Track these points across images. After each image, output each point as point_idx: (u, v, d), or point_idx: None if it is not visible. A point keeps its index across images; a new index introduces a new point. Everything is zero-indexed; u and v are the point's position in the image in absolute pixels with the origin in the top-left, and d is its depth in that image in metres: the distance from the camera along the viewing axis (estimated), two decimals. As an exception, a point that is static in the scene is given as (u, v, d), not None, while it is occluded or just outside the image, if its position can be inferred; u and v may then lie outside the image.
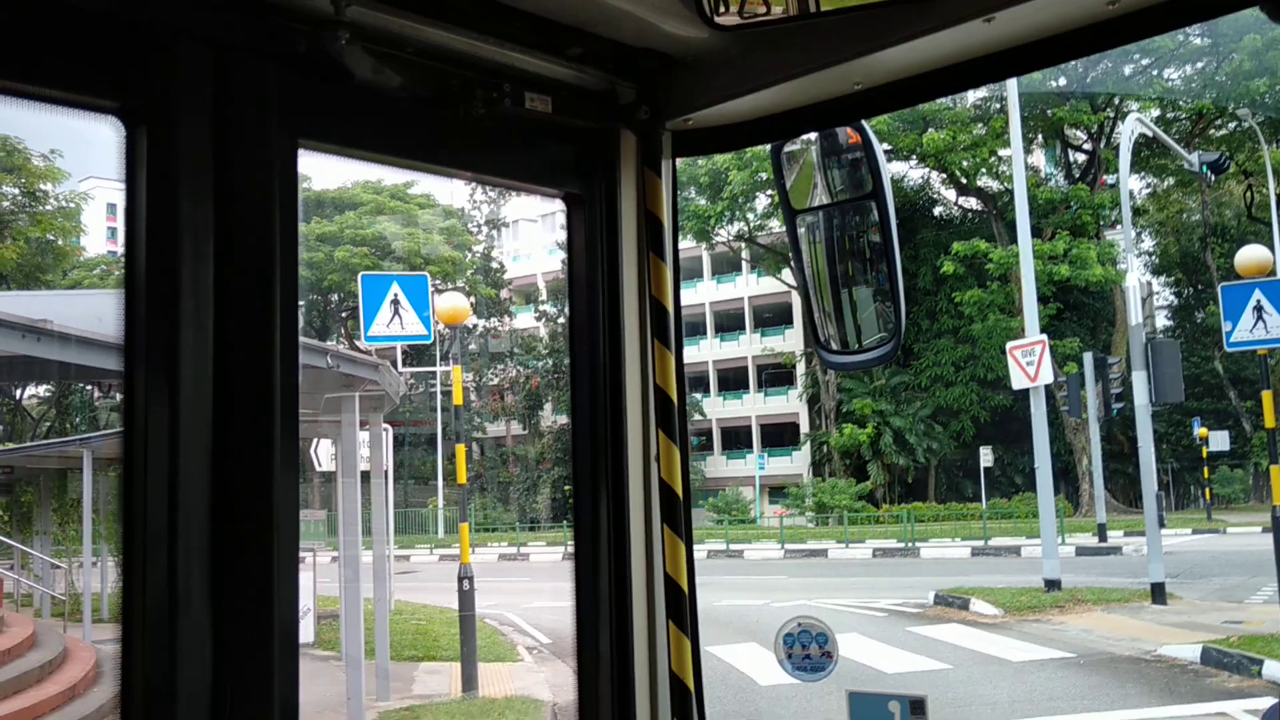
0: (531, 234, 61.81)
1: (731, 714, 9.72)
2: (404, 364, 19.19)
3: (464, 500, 12.58)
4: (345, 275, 42.02)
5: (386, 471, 14.96)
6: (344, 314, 47.02)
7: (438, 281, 41.36)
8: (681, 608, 2.03)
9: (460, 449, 12.23)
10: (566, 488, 48.69)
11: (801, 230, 2.32)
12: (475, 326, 47.85)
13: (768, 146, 2.22)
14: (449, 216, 50.54)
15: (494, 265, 54.83)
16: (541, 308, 57.22)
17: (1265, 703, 9.77)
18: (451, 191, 53.42)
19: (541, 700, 11.01)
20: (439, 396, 43.75)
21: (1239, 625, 13.75)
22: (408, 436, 47.15)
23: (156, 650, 1.30)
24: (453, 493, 42.41)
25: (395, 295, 11.25)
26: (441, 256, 46.83)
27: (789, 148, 2.27)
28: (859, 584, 21.25)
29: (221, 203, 1.40)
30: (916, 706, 2.21)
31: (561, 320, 56.44)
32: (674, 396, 2.05)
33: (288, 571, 1.40)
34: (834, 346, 2.32)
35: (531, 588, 23.13)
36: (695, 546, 2.11)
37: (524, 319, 57.03)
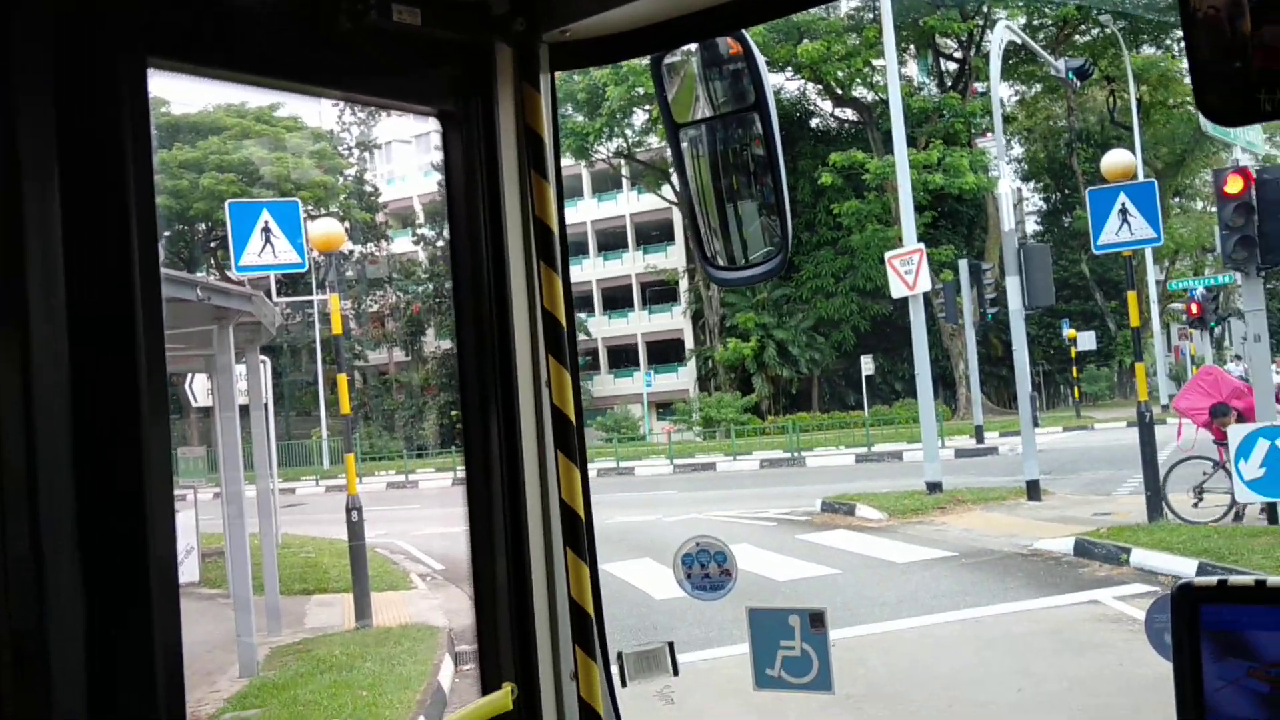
0: (405, 156, 60.46)
1: (629, 630, 9.82)
2: (279, 294, 18.70)
3: (348, 431, 12.34)
4: (212, 203, 40.54)
5: (266, 404, 14.60)
6: (212, 244, 45.53)
7: (310, 207, 40.20)
8: (579, 534, 1.98)
9: (342, 379, 11.96)
10: (454, 413, 48.38)
11: (684, 144, 2.23)
12: (351, 252, 46.78)
13: (647, 60, 2.12)
14: (318, 140, 49.02)
15: (368, 189, 53.53)
16: (419, 231, 56.21)
17: (1133, 589, 10.25)
18: (320, 114, 51.75)
19: (437, 626, 10.98)
20: (317, 326, 42.88)
21: (1108, 516, 14.38)
22: (287, 367, 46.21)
23: (23, 603, 1.20)
24: (337, 423, 41.81)
25: (266, 223, 10.84)
26: (313, 181, 45.52)
27: (669, 60, 2.17)
28: (748, 495, 21.64)
29: (65, 130, 1.26)
30: (816, 619, 2.20)
31: (441, 244, 55.59)
32: (562, 320, 1.97)
33: (162, 511, 1.30)
34: (720, 263, 2.25)
35: (422, 515, 23.00)
36: (586, 466, 2.05)
37: (402, 243, 55.97)
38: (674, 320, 54.45)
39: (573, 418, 1.99)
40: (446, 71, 1.86)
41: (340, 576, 13.48)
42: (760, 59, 2.06)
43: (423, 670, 8.96)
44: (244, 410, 12.10)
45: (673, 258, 54.24)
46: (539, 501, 1.97)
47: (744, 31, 1.99)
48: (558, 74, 2.05)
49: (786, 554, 13.67)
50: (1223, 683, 1.23)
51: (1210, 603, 1.26)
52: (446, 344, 53.77)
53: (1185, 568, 10.41)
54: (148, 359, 1.30)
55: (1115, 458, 21.93)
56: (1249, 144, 13.68)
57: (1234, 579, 1.27)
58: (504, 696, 1.89)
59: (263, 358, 13.18)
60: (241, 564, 10.12)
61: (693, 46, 2.08)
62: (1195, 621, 1.25)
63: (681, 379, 52.92)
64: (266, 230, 10.81)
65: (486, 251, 1.91)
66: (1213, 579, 1.28)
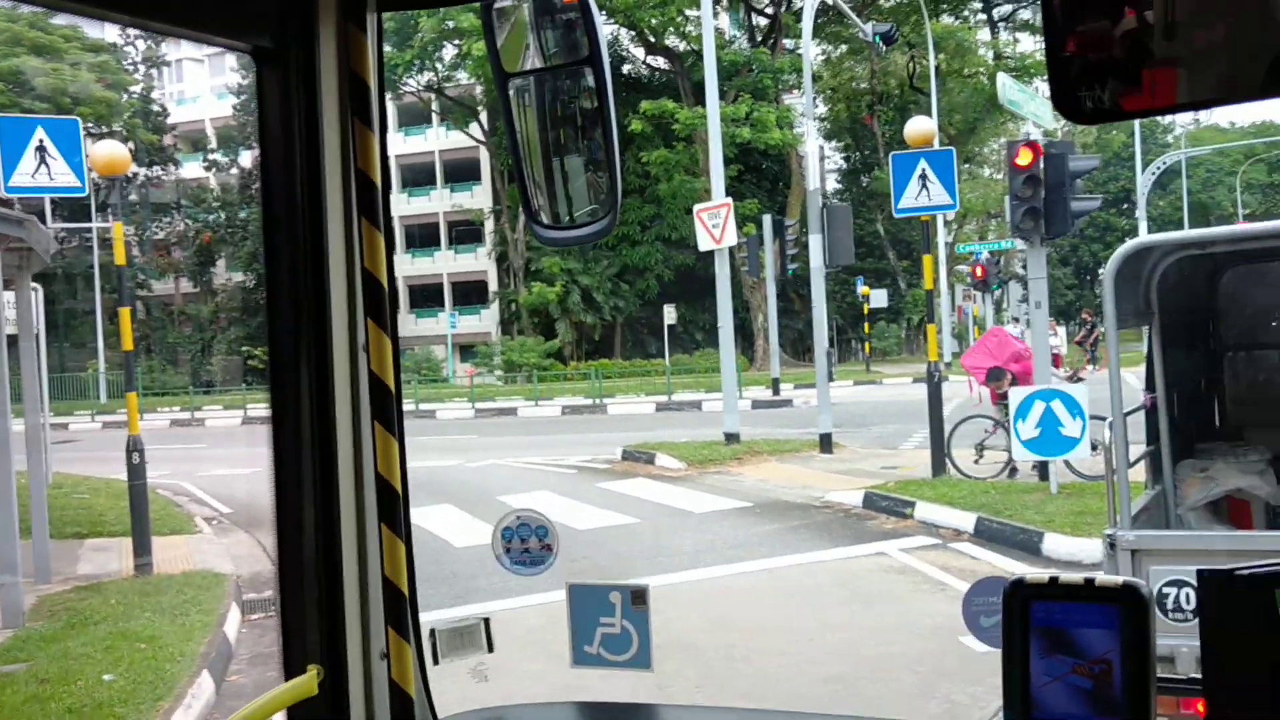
0: (197, 75, 57.42)
1: (427, 578, 9.67)
2: (54, 217, 17.44)
3: (130, 368, 11.61)
4: (-21, 115, 37.49)
5: (38, 335, 13.62)
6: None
7: (90, 125, 37.67)
8: (394, 509, 1.86)
9: (125, 313, 11.22)
10: (244, 349, 46.58)
11: (511, 94, 2.10)
12: (136, 175, 44.14)
13: (477, 4, 1.98)
14: (100, 52, 45.89)
15: (155, 109, 50.57)
16: (211, 156, 53.58)
17: (916, 541, 10.75)
18: (102, 24, 48.45)
19: (224, 573, 10.55)
20: (96, 252, 40.41)
21: (895, 470, 15.03)
22: (61, 295, 43.44)
23: None
24: (116, 355, 39.58)
25: (40, 141, 10.01)
26: (93, 97, 42.58)
27: (500, 4, 2.04)
28: (549, 442, 21.67)
29: None
30: (638, 596, 2.15)
31: (234, 171, 53.16)
32: (384, 281, 1.83)
33: None
34: (544, 220, 2.14)
35: (209, 455, 22.12)
36: (404, 437, 1.94)
37: (192, 168, 53.22)
38: (479, 261, 53.82)
39: (392, 386, 1.86)
40: (264, 4, 1.69)
41: (118, 520, 12.78)
42: (596, 11, 1.96)
43: (208, 621, 8.59)
44: (12, 341, 11.25)
45: (479, 197, 53.49)
46: (352, 474, 1.84)
47: (580, -21, 1.88)
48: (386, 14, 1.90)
49: (587, 502, 13.75)
50: (1048, 678, 1.23)
51: (1041, 599, 1.25)
52: (239, 276, 51.63)
53: (964, 521, 10.99)
54: None
55: (903, 412, 22.96)
56: (1037, 117, 14.32)
57: (1065, 577, 1.27)
58: (309, 681, 1.77)
59: (34, 285, 12.28)
60: (6, 504, 9.43)
61: (527, -7, 1.96)
62: (1026, 617, 1.25)
63: (484, 321, 52.47)
64: (41, 149, 10.00)
65: (303, 204, 1.74)
66: (1044, 575, 1.28)
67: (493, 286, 52.61)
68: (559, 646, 6.77)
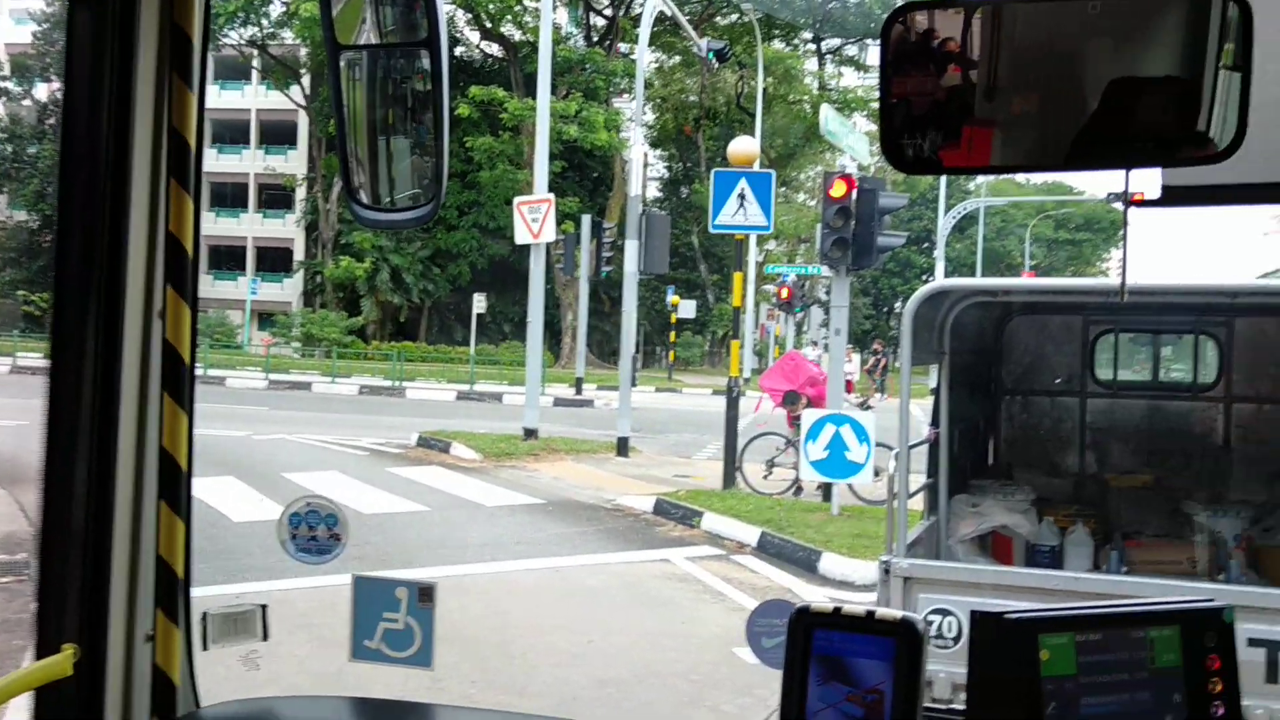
0: (-4, -4, 53.58)
1: (201, 551, 9.27)
2: None
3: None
4: None
5: None
6: None
7: None
8: (177, 486, 1.78)
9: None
10: (21, 293, 43.69)
11: (343, 66, 2.04)
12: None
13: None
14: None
15: (-56, 26, 46.98)
16: (3, 84, 50.10)
17: (702, 551, 10.98)
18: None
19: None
20: None
21: (687, 479, 15.32)
22: None
23: None
24: None
25: None
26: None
27: (338, -29, 1.97)
28: (343, 421, 21.15)
29: None
30: (425, 593, 2.11)
31: (28, 103, 49.91)
32: (189, 247, 1.75)
33: None
34: (364, 199, 2.08)
35: (-30, 402, 20.64)
36: (194, 412, 1.85)
37: (-22, 94, 49.68)
38: (286, 228, 52.12)
39: (186, 357, 1.77)
40: None
41: None
42: (439, -6, 1.92)
43: (-49, 581, 8.03)
44: None
45: (294, 162, 51.82)
46: (134, 446, 1.74)
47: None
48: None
49: (376, 486, 13.47)
50: (824, 705, 1.27)
51: (823, 628, 1.29)
52: (22, 215, 48.45)
53: (749, 535, 11.28)
54: None
55: (699, 422, 23.41)
56: (854, 151, 14.83)
57: (848, 608, 1.31)
58: (63, 660, 1.67)
59: None
60: None
61: (364, -38, 1.90)
62: (808, 644, 1.29)
63: (287, 291, 50.83)
64: None
65: (107, 157, 1.64)
66: (829, 605, 1.32)
67: (299, 255, 51.01)
68: (331, 633, 6.63)
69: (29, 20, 49.23)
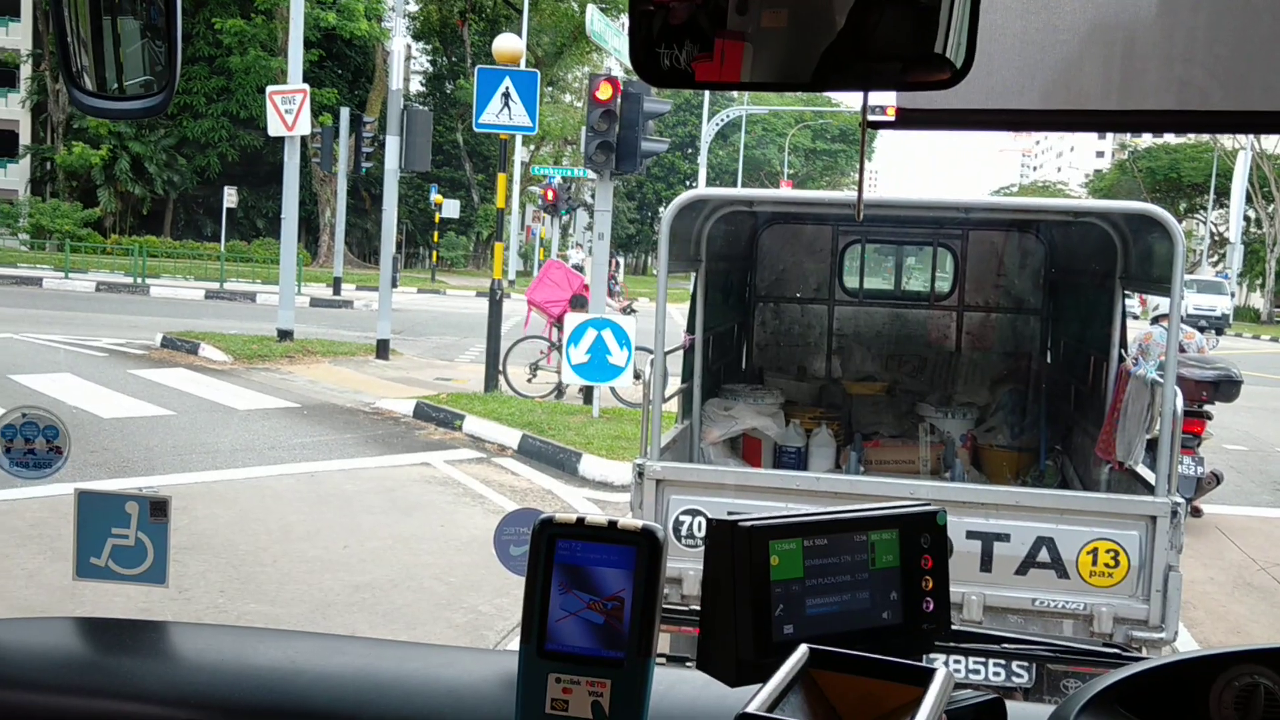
0: None
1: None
2: None
3: None
4: None
5: None
6: None
7: None
8: None
9: None
10: None
11: (59, -70, 1.85)
12: None
13: None
14: None
15: None
16: None
17: (462, 454, 10.96)
18: None
19: None
20: None
21: (449, 382, 15.20)
22: None
23: None
24: None
25: None
26: None
27: None
28: (78, 319, 19.79)
29: None
30: (157, 508, 2.01)
31: None
32: None
33: None
34: (87, 85, 1.91)
35: None
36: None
37: None
38: (9, 109, 47.76)
39: None
40: None
41: None
42: None
43: None
44: None
45: (16, 36, 47.34)
46: None
47: None
48: None
49: (115, 389, 12.75)
50: (565, 613, 1.28)
51: (566, 538, 1.30)
52: None
53: (510, 438, 11.33)
54: None
55: (462, 325, 23.20)
56: (620, 54, 14.78)
57: (591, 518, 1.32)
58: None
59: None
60: None
61: None
62: (551, 554, 1.30)
63: (11, 178, 46.81)
64: None
65: None
66: (572, 516, 1.33)
67: (24, 140, 46.93)
68: (64, 545, 6.27)
69: None
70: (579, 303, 13.29)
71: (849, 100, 70.28)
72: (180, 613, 5.65)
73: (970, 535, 4.29)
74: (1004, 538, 4.29)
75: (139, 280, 29.26)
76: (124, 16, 1.89)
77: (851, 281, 7.55)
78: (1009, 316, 7.33)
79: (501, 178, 14.93)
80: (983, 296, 7.34)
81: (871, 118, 1.40)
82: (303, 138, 18.23)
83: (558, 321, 13.34)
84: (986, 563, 4.29)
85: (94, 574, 1.98)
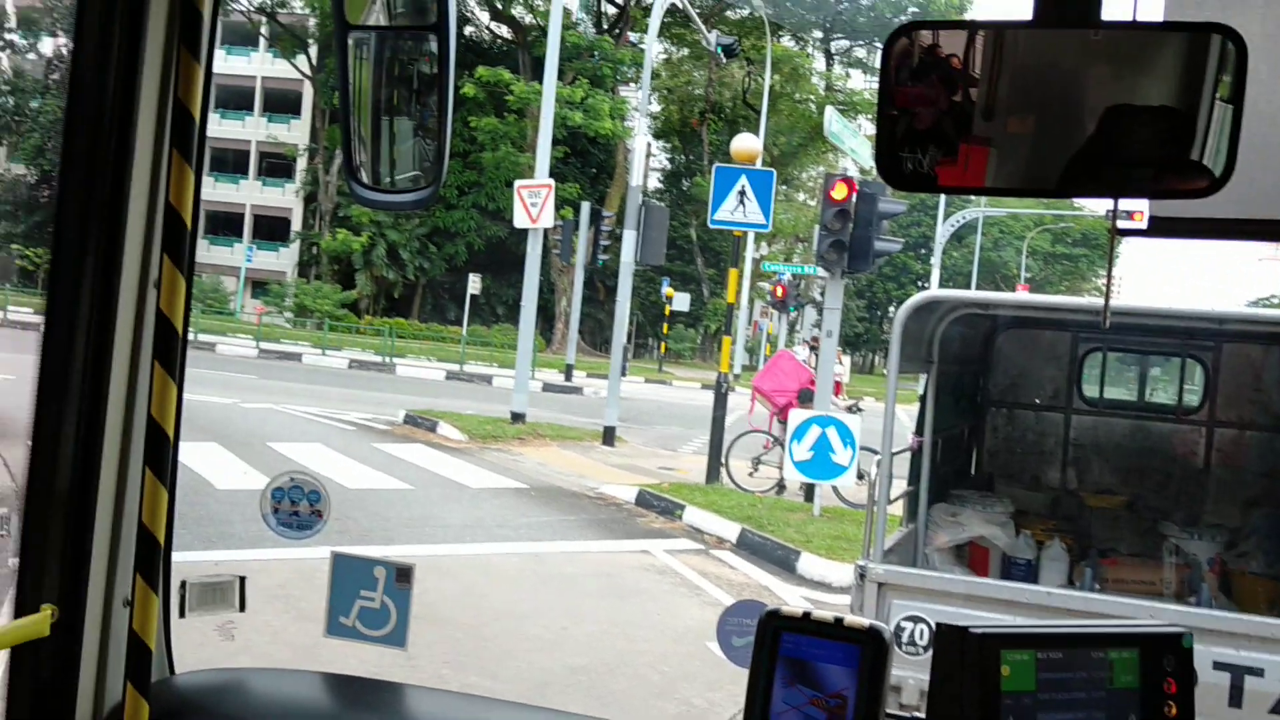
0: (6, -53, 53.24)
1: (182, 516, 9.28)
2: None
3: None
4: None
5: None
6: None
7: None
8: (163, 455, 1.79)
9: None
10: (15, 246, 43.54)
11: (350, 44, 2.05)
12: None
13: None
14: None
15: (-50, -27, 46.70)
16: (9, 37, 49.87)
17: (681, 544, 11.01)
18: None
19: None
20: None
21: (671, 471, 15.35)
22: None
23: None
24: None
25: None
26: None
27: (351, -48, 1.99)
28: (332, 394, 21.13)
29: None
30: (402, 574, 2.13)
31: (32, 57, 49.68)
32: (188, 219, 1.76)
33: None
34: (364, 178, 2.10)
35: (-42, 354, 20.59)
36: (184, 381, 1.86)
37: (-15, 45, 49.43)
38: (285, 197, 51.98)
39: (179, 327, 1.79)
40: None
41: None
42: (450, -21, 1.94)
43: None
44: None
45: (296, 132, 51.64)
46: (123, 412, 1.76)
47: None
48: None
49: (361, 461, 13.48)
50: (788, 707, 1.29)
51: (791, 631, 1.31)
52: (19, 169, 48.27)
53: (729, 531, 11.32)
54: None
55: (686, 416, 23.44)
56: (856, 154, 14.85)
57: (817, 613, 1.33)
58: (40, 620, 1.68)
59: None
60: None
61: (374, -57, 1.92)
62: (775, 646, 1.31)
63: (282, 260, 50.72)
64: None
65: (111, 124, 1.65)
66: (799, 610, 1.34)
67: (296, 225, 50.90)
68: (307, 605, 6.65)
69: (37, -28, 49.02)
70: (805, 396, 13.24)
71: (1093, 204, 67.79)
72: (408, 678, 5.87)
73: (1218, 666, 4.00)
74: (1257, 672, 3.98)
75: (387, 359, 31.00)
76: (400, 117, 2.07)
77: (1091, 390, 7.24)
78: (1266, 435, 6.85)
79: (733, 273, 15.14)
80: (1236, 412, 6.89)
81: (1121, 224, 1.39)
82: (545, 230, 19.03)
83: (781, 413, 13.31)
84: (1236, 698, 3.98)
85: (342, 632, 2.11)
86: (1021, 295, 21.04)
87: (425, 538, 10.06)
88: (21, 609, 1.71)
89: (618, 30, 48.82)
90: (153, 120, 1.69)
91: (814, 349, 20.76)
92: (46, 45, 49.26)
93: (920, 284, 56.51)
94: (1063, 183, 1.23)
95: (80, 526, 1.72)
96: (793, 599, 9.34)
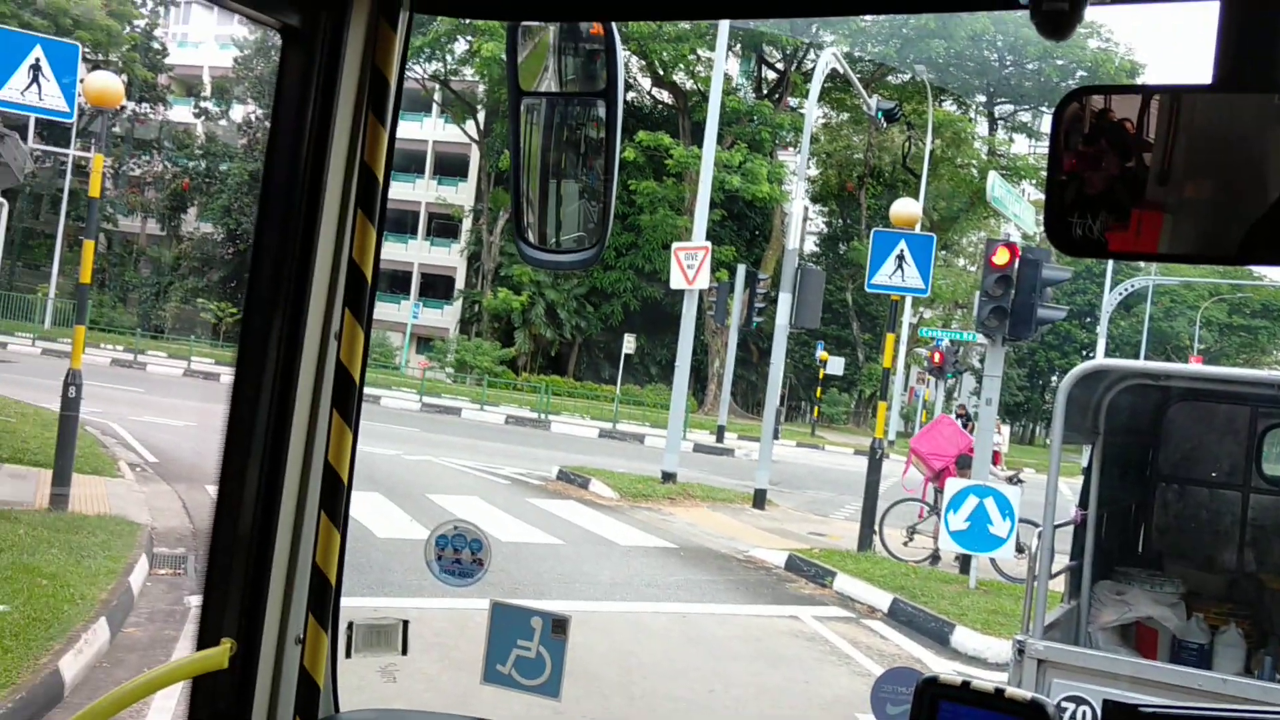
0: (203, 21, 56.99)
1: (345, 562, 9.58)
2: (35, 138, 17.22)
3: (83, 302, 11.43)
4: (-26, 19, 36.96)
5: (-3, 250, 13.40)
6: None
7: (87, 50, 37.26)
8: (337, 499, 1.87)
9: (89, 246, 11.07)
10: (200, 300, 46.02)
11: (523, 110, 2.14)
12: (123, 108, 43.63)
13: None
14: (110, -21, 45.43)
15: (155, 46, 50.10)
16: (203, 104, 53.18)
17: (831, 611, 10.82)
18: (122, -45, 47.91)
19: (139, 523, 10.39)
20: (68, 177, 39.89)
21: (822, 537, 15.12)
22: (23, 213, 42.73)
23: None
24: (67, 283, 38.98)
25: (37, 60, 9.91)
26: (95, 23, 42.15)
27: (527, 23, 2.09)
28: (488, 448, 21.58)
29: None
30: (559, 625, 2.17)
31: (223, 123, 52.76)
32: (369, 275, 1.86)
33: None
34: (531, 238, 2.18)
35: (144, 400, 21.80)
36: (358, 430, 1.95)
37: (181, 112, 52.73)
38: (450, 257, 53.66)
39: (357, 378, 1.88)
40: None
41: (41, 450, 12.57)
42: (620, 47, 2.01)
43: (114, 568, 8.45)
44: (-30, 253, 11.08)
45: (463, 194, 53.39)
46: (302, 457, 1.85)
47: (611, 21, 1.94)
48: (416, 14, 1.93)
49: (514, 515, 13.70)
50: (944, 777, 1.26)
51: (949, 700, 1.29)
52: (208, 227, 51.14)
53: (880, 600, 11.07)
54: None
55: (839, 481, 23.10)
56: (1019, 219, 14.55)
57: (976, 683, 1.31)
58: (221, 653, 1.77)
59: (1, 200, 12.10)
60: (-69, 415, 9.26)
61: (552, 11, 2.01)
62: (933, 715, 1.29)
63: (445, 317, 52.27)
64: (36, 69, 9.90)
65: (303, 184, 1.77)
66: (957, 678, 1.32)
67: (459, 284, 52.45)
68: (459, 654, 6.79)
69: (232, 46, 52.23)
70: (964, 463, 12.94)
71: (1274, 272, 64.68)
72: (555, 733, 5.92)
73: None
74: None
75: (542, 416, 31.54)
76: (567, 180, 2.15)
77: (1272, 469, 6.86)
78: None
79: (890, 338, 14.95)
80: None
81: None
82: (700, 291, 19.16)
83: (937, 478, 13.02)
84: None
85: (498, 680, 2.16)
86: (1196, 367, 20.19)
87: (575, 593, 10.14)
88: (203, 641, 1.80)
89: (777, 95, 49.15)
90: (340, 181, 1.79)
91: (963, 417, 20.33)
92: (237, 112, 52.33)
93: (1085, 353, 54.62)
94: (1243, 250, 1.20)
95: (259, 565, 1.81)
96: (946, 672, 9.05)
